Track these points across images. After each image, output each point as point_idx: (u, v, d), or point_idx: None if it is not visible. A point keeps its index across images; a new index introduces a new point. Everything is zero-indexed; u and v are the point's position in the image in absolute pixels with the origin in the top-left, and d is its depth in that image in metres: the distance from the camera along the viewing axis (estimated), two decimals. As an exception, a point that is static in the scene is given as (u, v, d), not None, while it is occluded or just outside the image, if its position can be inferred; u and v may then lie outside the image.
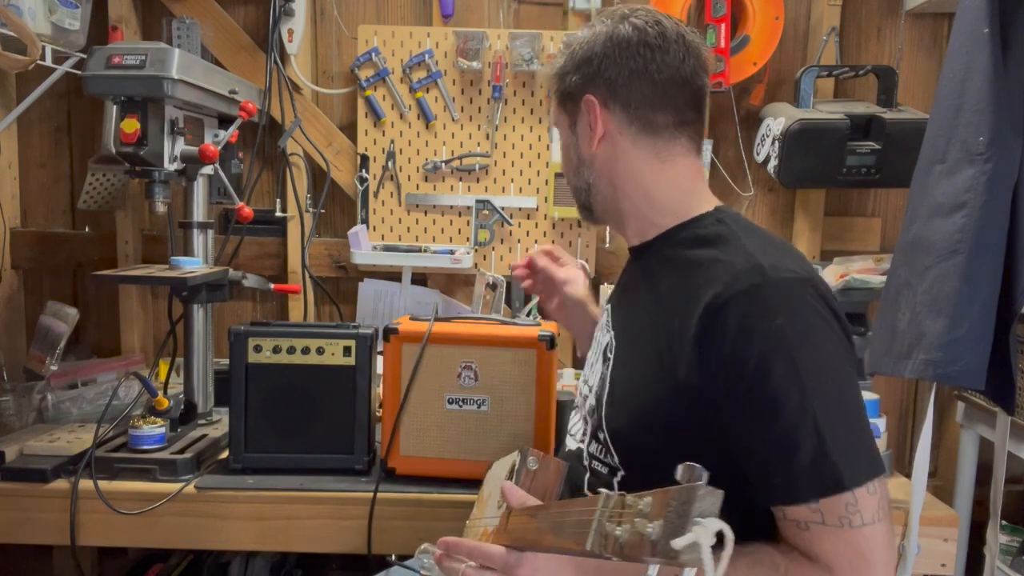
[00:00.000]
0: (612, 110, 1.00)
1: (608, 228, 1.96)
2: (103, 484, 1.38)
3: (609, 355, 1.03)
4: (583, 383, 1.12)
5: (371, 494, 1.38)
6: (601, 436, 1.00)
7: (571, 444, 1.10)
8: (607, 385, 1.00)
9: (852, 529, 0.79)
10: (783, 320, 0.83)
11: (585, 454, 1.04)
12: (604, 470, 1.00)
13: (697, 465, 0.58)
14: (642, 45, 0.97)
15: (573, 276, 1.34)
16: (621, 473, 0.97)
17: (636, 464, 0.96)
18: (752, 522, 0.85)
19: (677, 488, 0.53)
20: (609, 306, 1.11)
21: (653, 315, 0.96)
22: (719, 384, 0.85)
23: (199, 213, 1.63)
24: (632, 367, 0.98)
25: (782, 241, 0.98)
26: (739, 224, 0.97)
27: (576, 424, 1.11)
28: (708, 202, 1.02)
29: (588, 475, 1.03)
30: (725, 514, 0.79)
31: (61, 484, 1.40)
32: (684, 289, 0.91)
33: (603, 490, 0.64)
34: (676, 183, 1.02)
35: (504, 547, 0.84)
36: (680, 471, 0.58)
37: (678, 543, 0.49)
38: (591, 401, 1.04)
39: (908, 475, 1.44)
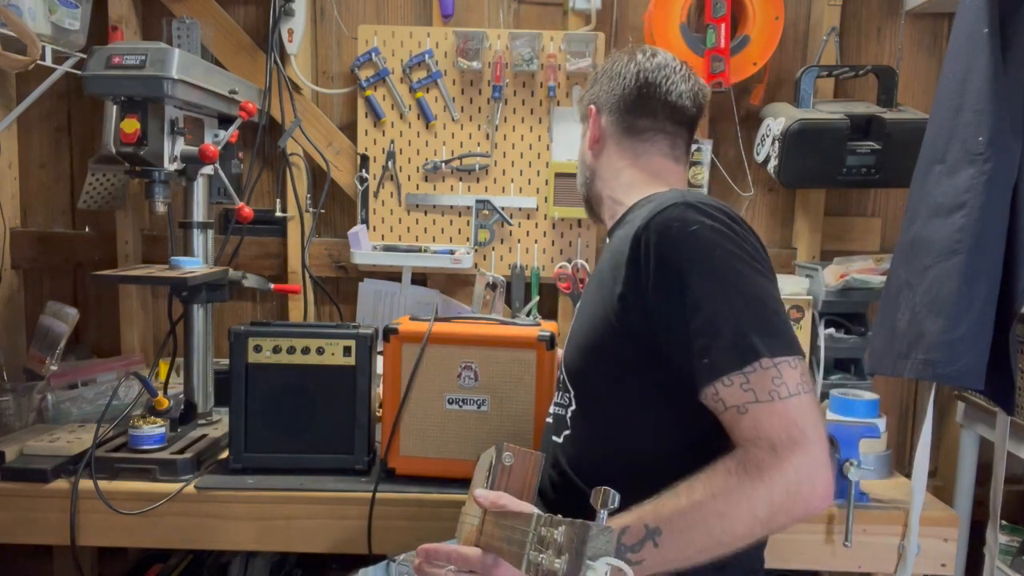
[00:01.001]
0: (604, 117, 1.25)
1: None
2: (103, 484, 1.38)
3: (575, 318, 1.20)
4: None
5: (371, 494, 1.38)
6: (561, 377, 1.15)
7: (552, 408, 1.22)
8: (569, 333, 1.16)
9: (782, 400, 0.87)
10: (697, 227, 0.96)
11: (554, 406, 1.19)
12: (563, 412, 1.13)
13: (609, 490, 0.63)
14: (647, 83, 1.21)
15: None
16: (572, 408, 1.11)
17: (584, 396, 1.09)
18: (709, 440, 0.94)
19: (578, 525, 0.56)
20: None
21: (602, 265, 1.12)
22: (646, 291, 0.97)
23: (199, 213, 1.63)
24: (585, 311, 1.13)
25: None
26: (685, 192, 1.08)
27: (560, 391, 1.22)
28: (670, 189, 1.14)
29: (551, 420, 1.18)
30: (681, 432, 0.99)
31: (61, 484, 1.40)
32: (624, 233, 1.05)
33: (534, 510, 0.70)
34: (645, 172, 1.21)
35: (481, 550, 0.86)
36: (593, 494, 0.61)
37: None
38: (564, 362, 1.17)
39: (908, 475, 1.44)
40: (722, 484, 0.86)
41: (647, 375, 1.01)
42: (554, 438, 1.16)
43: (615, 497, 0.60)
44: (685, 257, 0.95)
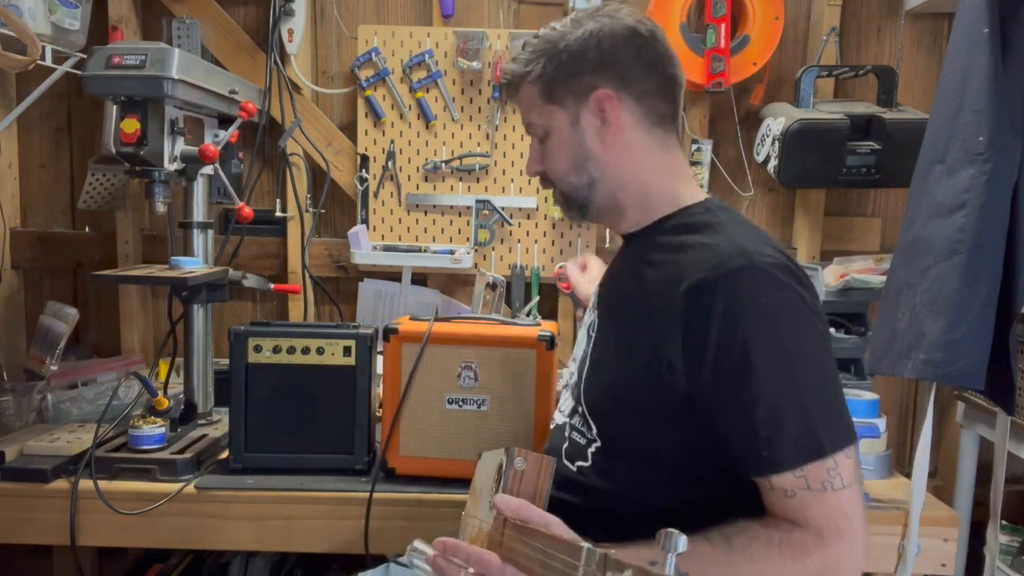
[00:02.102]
0: (624, 101, 1.03)
1: (607, 228, 1.96)
2: (103, 484, 1.38)
3: (592, 333, 1.10)
4: (572, 361, 1.18)
5: (373, 494, 1.37)
6: (580, 409, 1.06)
7: (558, 419, 1.15)
8: (587, 361, 1.07)
9: (834, 492, 0.86)
10: (767, 301, 0.88)
11: (567, 427, 1.10)
12: (582, 441, 1.05)
13: (675, 532, 0.61)
14: (644, 38, 1.03)
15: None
16: (596, 445, 1.03)
17: (612, 436, 1.01)
18: (724, 493, 0.93)
19: (646, 570, 0.56)
20: (598, 289, 1.18)
21: (638, 296, 1.00)
22: (703, 364, 0.89)
23: (199, 213, 1.62)
24: (613, 345, 1.04)
25: (764, 232, 1.02)
26: (727, 214, 1.02)
27: (565, 400, 1.16)
28: (699, 193, 1.08)
29: (567, 444, 1.08)
30: (700, 487, 0.89)
31: (61, 484, 1.40)
32: (670, 271, 0.95)
33: (585, 544, 0.67)
34: (672, 173, 1.08)
35: (500, 559, 0.84)
36: (659, 536, 0.60)
37: None
38: (575, 377, 1.10)
39: (908, 475, 1.44)
40: (763, 553, 0.86)
41: (687, 432, 0.95)
42: (566, 462, 1.08)
43: (681, 540, 0.60)
44: (752, 335, 0.87)
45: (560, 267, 1.64)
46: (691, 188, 1.08)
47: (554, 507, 1.01)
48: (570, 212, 1.13)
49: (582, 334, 1.17)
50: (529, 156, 1.13)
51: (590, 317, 1.14)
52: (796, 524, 0.87)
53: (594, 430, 1.03)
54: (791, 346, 0.88)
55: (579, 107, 1.04)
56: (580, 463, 1.05)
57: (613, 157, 1.05)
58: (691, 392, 0.91)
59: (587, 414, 1.04)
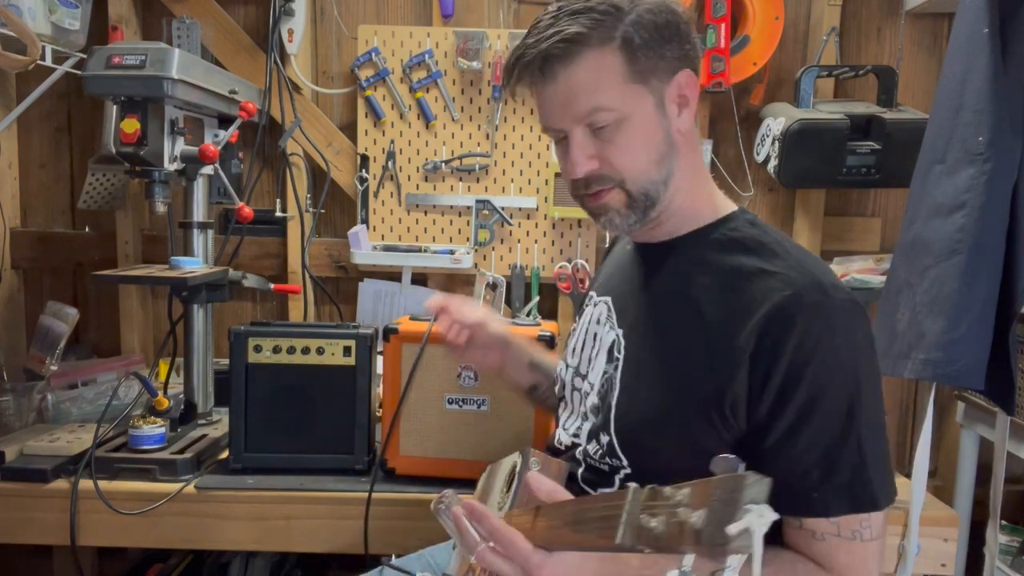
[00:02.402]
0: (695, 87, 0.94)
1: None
2: (103, 484, 1.38)
3: (617, 355, 0.99)
4: (576, 376, 1.07)
5: (373, 494, 1.37)
6: (605, 439, 0.97)
7: (563, 438, 1.07)
8: (617, 388, 0.97)
9: (862, 543, 0.84)
10: (842, 341, 0.83)
11: (582, 450, 1.01)
12: (605, 468, 0.98)
13: (731, 456, 0.59)
14: (687, 15, 0.95)
15: (482, 314, 1.21)
16: (625, 471, 0.96)
17: (645, 464, 0.94)
18: None
19: (723, 477, 0.53)
20: (606, 299, 1.06)
21: (691, 324, 0.91)
22: (764, 398, 0.84)
23: (199, 213, 1.63)
24: (654, 373, 0.94)
25: (813, 254, 0.96)
26: (774, 232, 0.95)
27: (571, 420, 1.07)
28: (729, 201, 1.01)
29: (583, 470, 1.01)
30: None
31: (61, 484, 1.40)
32: (734, 304, 0.88)
33: (631, 484, 0.63)
34: (707, 175, 1.01)
35: (530, 544, 0.76)
36: (716, 463, 0.58)
37: (733, 529, 0.49)
38: (592, 400, 1.01)
39: (908, 475, 1.44)
40: None
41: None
42: (584, 486, 1.01)
43: (741, 464, 0.58)
44: (823, 375, 0.82)
45: (560, 267, 1.47)
46: (721, 194, 1.01)
47: None
48: (630, 217, 0.95)
49: (593, 350, 1.05)
50: (574, 150, 0.92)
51: (607, 334, 1.02)
52: (822, 567, 0.85)
53: (624, 460, 0.95)
54: (857, 391, 0.84)
55: (663, 88, 0.91)
56: (604, 489, 0.98)
57: (686, 150, 0.94)
58: (749, 427, 0.87)
59: (617, 444, 0.95)
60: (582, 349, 1.08)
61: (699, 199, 0.97)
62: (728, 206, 0.99)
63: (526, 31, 0.92)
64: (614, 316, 1.03)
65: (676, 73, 0.91)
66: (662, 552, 0.57)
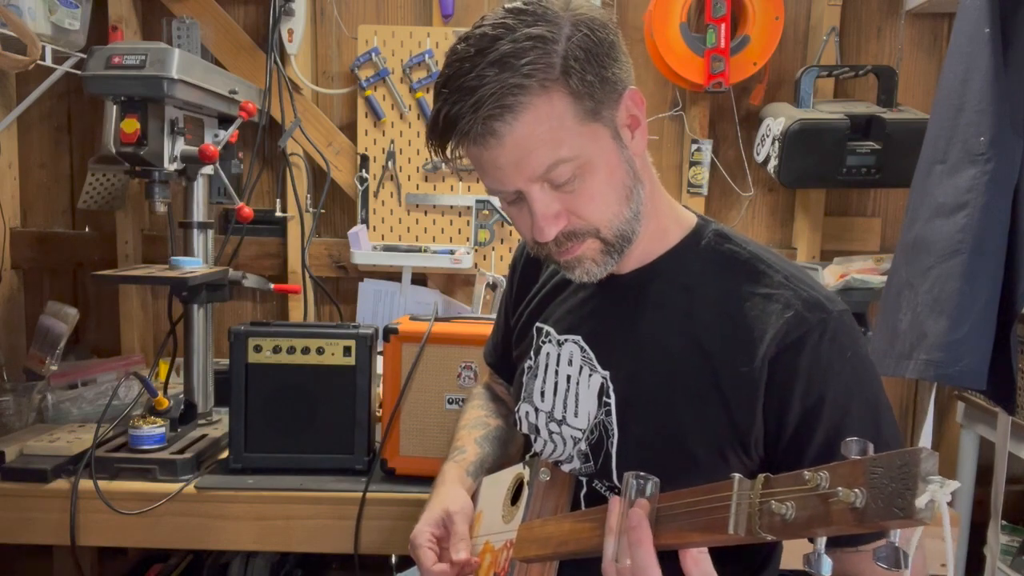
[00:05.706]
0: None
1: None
2: (103, 484, 1.38)
3: (607, 399, 0.91)
4: (551, 421, 0.98)
5: (372, 494, 1.37)
6: (607, 483, 0.91)
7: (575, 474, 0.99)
8: (615, 434, 0.90)
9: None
10: (851, 354, 0.83)
11: (583, 484, 0.95)
12: (604, 493, 0.93)
13: (856, 438, 0.57)
14: (616, 26, 0.85)
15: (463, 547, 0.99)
16: None
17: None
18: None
19: (889, 454, 0.52)
20: (574, 339, 0.97)
21: (691, 360, 0.86)
22: (789, 426, 0.82)
23: (199, 213, 1.62)
24: (660, 414, 0.88)
25: (783, 257, 0.93)
26: (745, 242, 0.91)
27: (553, 456, 0.98)
28: (679, 205, 0.96)
29: (586, 491, 0.95)
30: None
31: (61, 484, 1.40)
32: (730, 328, 0.85)
33: (735, 475, 0.62)
34: (662, 188, 0.94)
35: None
36: (847, 445, 0.56)
37: (920, 502, 0.50)
38: (580, 447, 0.93)
39: (908, 475, 1.43)
40: None
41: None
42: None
43: (870, 444, 0.58)
44: (842, 398, 0.81)
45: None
46: (677, 203, 0.96)
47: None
48: (608, 263, 0.87)
49: (557, 383, 0.97)
50: (537, 212, 0.82)
51: (592, 378, 0.93)
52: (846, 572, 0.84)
53: None
54: (876, 399, 0.83)
55: (614, 117, 0.82)
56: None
57: (646, 173, 0.88)
58: (774, 456, 0.84)
59: (618, 485, 0.90)
60: (554, 393, 0.98)
61: (664, 217, 0.92)
62: (687, 216, 0.95)
63: (442, 80, 0.82)
64: (592, 357, 0.94)
65: (623, 95, 0.82)
66: (789, 537, 0.56)
